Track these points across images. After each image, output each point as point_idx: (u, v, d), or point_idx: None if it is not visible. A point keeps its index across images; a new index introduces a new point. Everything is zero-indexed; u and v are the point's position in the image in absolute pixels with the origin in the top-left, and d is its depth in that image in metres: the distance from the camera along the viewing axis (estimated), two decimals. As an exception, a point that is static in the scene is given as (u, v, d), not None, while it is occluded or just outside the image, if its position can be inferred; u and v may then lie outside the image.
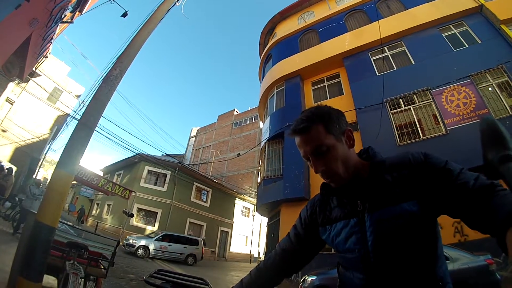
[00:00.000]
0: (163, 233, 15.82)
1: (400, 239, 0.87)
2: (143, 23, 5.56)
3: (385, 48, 12.42)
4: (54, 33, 12.07)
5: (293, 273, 1.22)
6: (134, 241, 14.21)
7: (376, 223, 0.91)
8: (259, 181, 14.49)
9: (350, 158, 0.98)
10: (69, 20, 11.71)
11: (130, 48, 4.81)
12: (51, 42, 13.49)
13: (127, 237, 14.81)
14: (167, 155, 20.36)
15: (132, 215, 8.34)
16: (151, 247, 14.29)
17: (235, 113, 38.49)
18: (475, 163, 6.35)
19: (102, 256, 4.53)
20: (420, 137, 9.77)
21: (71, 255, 3.47)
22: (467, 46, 10.82)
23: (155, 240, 14.82)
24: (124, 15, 8.14)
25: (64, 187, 3.72)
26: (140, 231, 19.63)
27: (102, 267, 4.60)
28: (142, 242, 14.18)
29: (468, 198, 0.78)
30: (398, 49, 12.32)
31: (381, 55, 12.16)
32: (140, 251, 13.84)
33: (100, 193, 23.24)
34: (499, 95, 9.36)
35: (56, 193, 3.64)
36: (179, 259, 15.21)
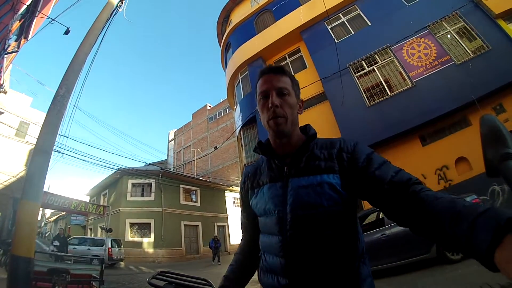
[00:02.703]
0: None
1: (316, 205, 0.93)
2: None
3: (340, 14, 12.49)
4: (2, 66, 11.50)
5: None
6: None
7: (297, 188, 0.98)
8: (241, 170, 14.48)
9: (296, 120, 1.08)
10: (15, 49, 11.14)
11: (73, 64, 4.62)
12: (1, 76, 12.86)
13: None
14: (149, 164, 20.06)
15: (110, 230, 8.22)
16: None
17: (208, 107, 38.13)
18: (446, 109, 6.54)
19: (92, 277, 4.45)
20: (388, 94, 9.92)
21: (53, 281, 3.38)
22: (419, -1, 10.91)
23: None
24: (67, 32, 7.82)
25: (33, 217, 3.59)
26: (137, 245, 19.44)
27: (95, 288, 4.53)
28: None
29: (386, 189, 0.82)
30: (353, 13, 12.36)
31: (336, 23, 12.28)
32: None
33: (91, 217, 22.77)
34: (458, 41, 9.56)
35: (26, 223, 3.49)
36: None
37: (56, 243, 11.30)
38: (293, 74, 1.15)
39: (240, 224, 1.36)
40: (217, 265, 15.85)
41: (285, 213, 0.98)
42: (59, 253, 8.35)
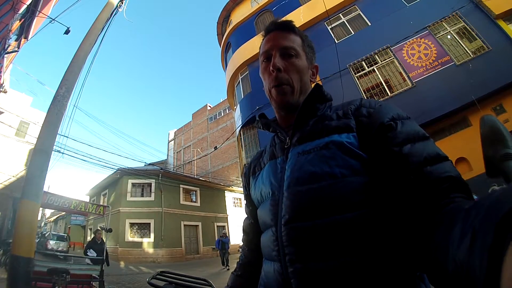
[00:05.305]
0: None
1: (323, 174, 0.65)
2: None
3: (340, 14, 12.48)
4: (2, 66, 11.51)
5: None
6: None
7: (296, 156, 0.73)
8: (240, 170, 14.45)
9: (307, 86, 0.86)
10: (15, 49, 11.14)
11: (73, 64, 4.64)
12: (1, 76, 12.87)
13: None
14: (149, 164, 20.03)
15: (110, 230, 7.91)
16: None
17: (208, 107, 38.08)
18: (446, 109, 6.61)
19: (92, 277, 4.45)
20: (388, 95, 9.92)
21: (53, 281, 3.39)
22: (420, -1, 10.91)
23: None
24: (67, 32, 7.82)
25: (33, 217, 3.59)
26: (137, 245, 19.45)
27: (95, 288, 4.52)
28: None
29: (410, 180, 0.56)
30: (353, 13, 12.35)
31: (336, 23, 12.28)
32: None
33: (91, 217, 22.77)
34: (458, 41, 9.54)
35: (26, 223, 3.50)
36: None
37: (92, 252, 7.35)
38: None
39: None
40: (226, 271, 12.62)
41: (281, 192, 0.72)
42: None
